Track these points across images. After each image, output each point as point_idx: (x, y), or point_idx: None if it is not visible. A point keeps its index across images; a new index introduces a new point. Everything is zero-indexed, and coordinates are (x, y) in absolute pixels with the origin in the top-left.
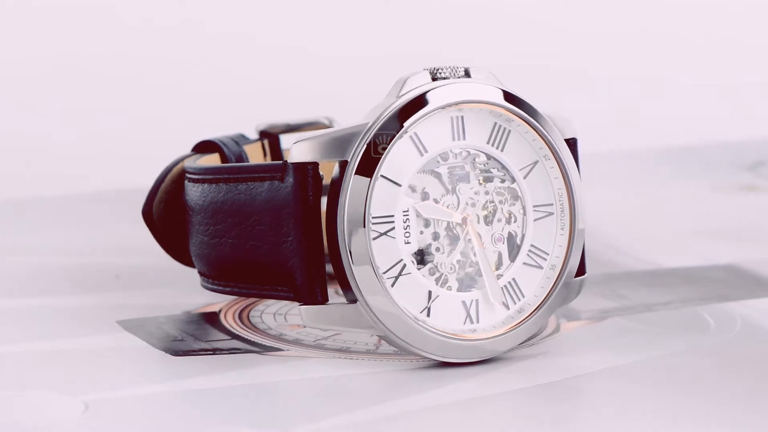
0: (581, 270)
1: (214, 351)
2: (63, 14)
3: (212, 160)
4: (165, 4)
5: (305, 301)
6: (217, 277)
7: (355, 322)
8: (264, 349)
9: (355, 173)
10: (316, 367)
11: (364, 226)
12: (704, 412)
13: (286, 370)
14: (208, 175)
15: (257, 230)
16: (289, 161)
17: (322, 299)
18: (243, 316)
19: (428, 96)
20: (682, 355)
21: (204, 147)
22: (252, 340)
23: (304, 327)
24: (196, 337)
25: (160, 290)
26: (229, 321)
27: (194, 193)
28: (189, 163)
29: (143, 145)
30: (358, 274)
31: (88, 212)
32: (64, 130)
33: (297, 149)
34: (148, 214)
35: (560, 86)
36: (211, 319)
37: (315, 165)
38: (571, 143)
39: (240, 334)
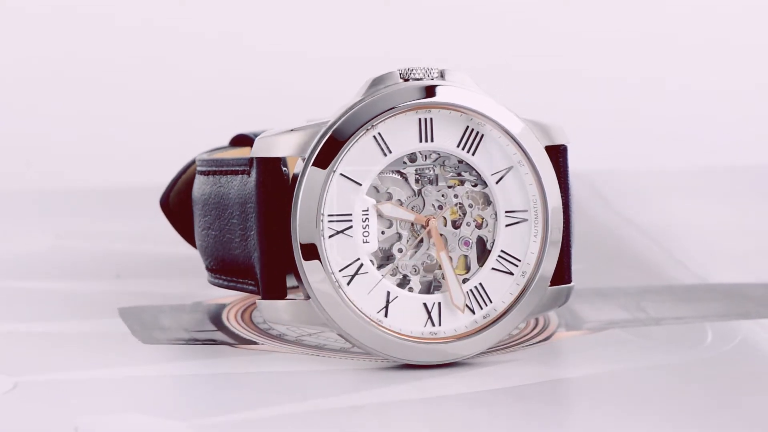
0: (564, 279)
1: (188, 341)
2: (66, 16)
3: (242, 153)
4: (165, 6)
5: (263, 295)
6: (211, 268)
7: (309, 318)
8: (239, 342)
9: (311, 170)
10: (278, 361)
11: (316, 223)
12: (651, 426)
13: (244, 362)
14: (203, 167)
15: (231, 224)
16: (252, 156)
17: (281, 294)
18: (245, 315)
19: (394, 96)
20: (654, 368)
21: (239, 141)
22: (237, 333)
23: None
24: (184, 327)
25: (184, 280)
26: (230, 317)
27: (195, 184)
28: (202, 156)
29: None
30: (308, 270)
31: (121, 204)
32: (68, 131)
33: (259, 144)
34: (165, 204)
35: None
36: (215, 311)
37: (277, 160)
38: (559, 150)
39: (229, 327)
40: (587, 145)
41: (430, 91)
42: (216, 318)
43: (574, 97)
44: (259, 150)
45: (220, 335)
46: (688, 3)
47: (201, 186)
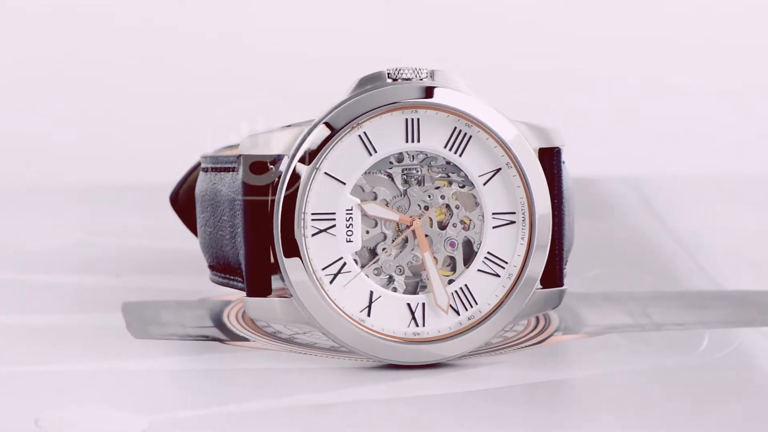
0: (556, 282)
1: (182, 337)
2: (66, 16)
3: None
4: (165, 6)
5: (248, 292)
6: (210, 265)
7: (292, 316)
8: (231, 339)
9: (293, 168)
10: (261, 359)
11: (298, 221)
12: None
13: (227, 359)
14: (204, 164)
15: (222, 221)
16: (238, 153)
17: (265, 292)
18: (246, 314)
19: (380, 96)
20: (636, 374)
21: None
22: (232, 330)
23: None
24: (182, 323)
25: (201, 277)
26: (231, 315)
27: (197, 181)
28: (206, 153)
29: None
30: (290, 268)
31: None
32: (84, 130)
33: (246, 142)
34: (174, 200)
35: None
36: (218, 309)
37: (263, 158)
38: (553, 152)
39: (227, 324)
40: (636, 149)
41: (417, 91)
42: (217, 315)
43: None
44: (245, 147)
45: (214, 332)
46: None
47: (201, 183)
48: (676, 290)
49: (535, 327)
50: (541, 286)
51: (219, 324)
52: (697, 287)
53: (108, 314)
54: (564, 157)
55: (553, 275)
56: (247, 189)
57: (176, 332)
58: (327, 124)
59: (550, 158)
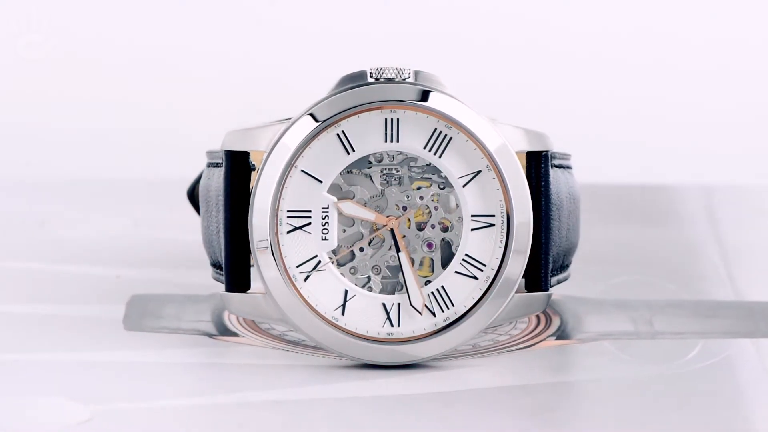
0: (540, 286)
1: (173, 331)
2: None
3: None
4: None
5: (226, 287)
6: (211, 263)
7: (267, 313)
8: (221, 334)
9: (269, 165)
10: (241, 354)
11: (272, 218)
12: None
13: (206, 353)
14: (207, 159)
15: (212, 215)
16: (221, 149)
17: (243, 287)
18: None
19: (360, 95)
20: (607, 381)
21: None
22: (227, 326)
23: None
24: (179, 317)
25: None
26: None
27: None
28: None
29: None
30: (263, 265)
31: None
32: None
33: (228, 137)
34: (191, 196)
35: None
36: (221, 304)
37: (245, 154)
38: (539, 156)
39: (224, 320)
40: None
41: (398, 91)
42: (219, 311)
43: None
44: (227, 143)
45: (208, 327)
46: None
47: (202, 179)
48: (690, 299)
49: (533, 330)
50: (525, 290)
51: (217, 319)
52: (716, 297)
53: (111, 306)
54: (571, 163)
55: (537, 280)
56: (228, 184)
57: (169, 326)
58: (305, 122)
59: (538, 162)
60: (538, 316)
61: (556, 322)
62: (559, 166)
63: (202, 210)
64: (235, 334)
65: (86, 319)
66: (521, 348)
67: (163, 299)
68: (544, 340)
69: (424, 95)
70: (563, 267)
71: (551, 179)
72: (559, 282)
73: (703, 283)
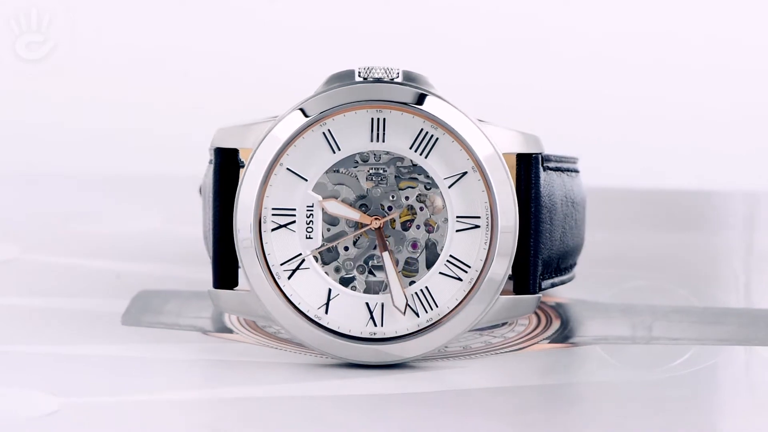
0: (528, 289)
1: (169, 326)
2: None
3: None
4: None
5: (213, 284)
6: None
7: (251, 310)
8: (216, 330)
9: (254, 163)
10: (227, 351)
11: (256, 215)
12: None
13: (192, 349)
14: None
15: (206, 211)
16: (210, 146)
17: (230, 284)
18: None
19: (347, 94)
20: (583, 385)
21: None
22: (224, 323)
23: None
24: (179, 314)
25: None
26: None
27: None
28: None
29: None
30: (246, 262)
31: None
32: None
33: (217, 134)
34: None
35: None
36: None
37: (234, 151)
38: (529, 159)
39: (222, 316)
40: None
41: (386, 91)
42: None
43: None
44: (217, 140)
45: (205, 323)
46: None
47: (204, 175)
48: (701, 306)
49: (530, 332)
50: (513, 293)
51: (217, 317)
52: (727, 304)
53: (114, 300)
54: (579, 166)
55: (525, 283)
56: (217, 181)
57: (166, 321)
58: (291, 120)
59: (528, 164)
60: (538, 318)
61: (555, 325)
62: (556, 169)
63: (202, 206)
64: (230, 331)
65: (87, 312)
66: (512, 351)
67: (168, 295)
68: (537, 343)
69: (412, 96)
70: (562, 270)
71: (543, 182)
72: (554, 285)
73: (717, 289)
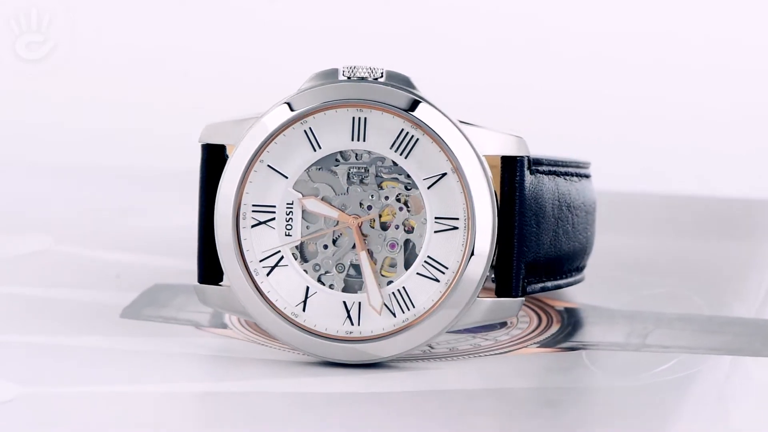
0: (510, 293)
1: (166, 320)
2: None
3: None
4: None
5: (198, 279)
6: None
7: (230, 305)
8: (211, 325)
9: (235, 158)
10: (213, 346)
11: (236, 211)
12: None
13: (177, 342)
14: None
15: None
16: (198, 142)
17: (214, 280)
18: None
19: (329, 92)
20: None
21: None
22: (220, 318)
23: None
24: (181, 308)
25: None
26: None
27: None
28: None
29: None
30: (224, 258)
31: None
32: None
33: (205, 131)
34: None
35: None
36: None
37: (220, 147)
38: (514, 161)
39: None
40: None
41: (368, 90)
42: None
43: None
44: (204, 136)
45: (202, 317)
46: None
47: None
48: (707, 315)
49: (524, 336)
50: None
51: (217, 311)
52: (737, 314)
53: (122, 293)
54: (590, 171)
55: (507, 286)
56: (203, 177)
57: (165, 315)
58: (272, 118)
59: (512, 167)
60: (539, 322)
61: (553, 330)
62: (549, 173)
63: None
64: (224, 326)
65: (94, 305)
66: (498, 353)
67: (177, 289)
68: (526, 347)
69: (394, 96)
70: (557, 274)
71: (528, 185)
72: (545, 289)
73: (735, 299)
